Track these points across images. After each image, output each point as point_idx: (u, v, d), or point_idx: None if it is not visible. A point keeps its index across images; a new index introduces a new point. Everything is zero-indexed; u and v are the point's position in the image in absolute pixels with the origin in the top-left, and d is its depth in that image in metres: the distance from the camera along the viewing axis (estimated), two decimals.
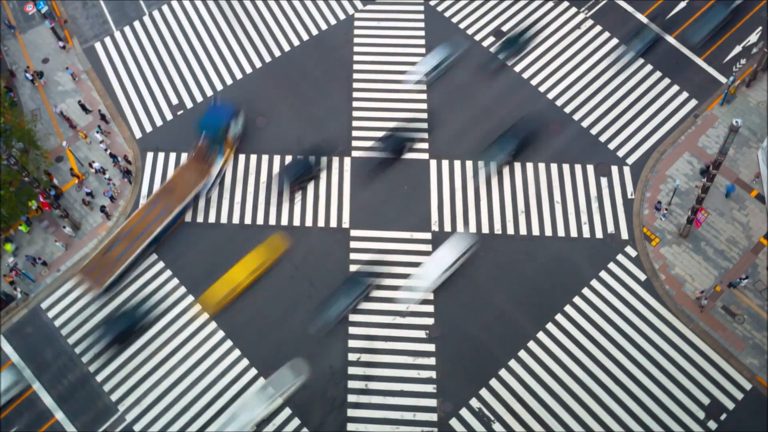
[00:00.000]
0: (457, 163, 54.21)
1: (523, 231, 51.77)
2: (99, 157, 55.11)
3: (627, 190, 52.90)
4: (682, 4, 59.56)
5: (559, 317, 48.99)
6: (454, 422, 46.40)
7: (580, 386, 47.01)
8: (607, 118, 55.50)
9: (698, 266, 50.14)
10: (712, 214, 51.35)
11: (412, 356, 48.21)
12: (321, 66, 58.55)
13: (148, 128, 56.65)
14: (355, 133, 55.66)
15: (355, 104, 56.84)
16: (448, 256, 49.67)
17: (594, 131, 55.01)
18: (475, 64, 57.76)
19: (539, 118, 55.03)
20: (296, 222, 52.68)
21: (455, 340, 48.51)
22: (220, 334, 49.25)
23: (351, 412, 46.89)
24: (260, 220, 52.78)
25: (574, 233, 51.56)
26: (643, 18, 59.21)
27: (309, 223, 52.61)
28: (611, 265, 50.46)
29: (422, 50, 58.42)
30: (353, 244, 51.77)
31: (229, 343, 48.96)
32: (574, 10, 59.93)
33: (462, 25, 59.57)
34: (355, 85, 57.64)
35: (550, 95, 56.46)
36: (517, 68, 57.65)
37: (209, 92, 57.62)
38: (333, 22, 60.39)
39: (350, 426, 46.49)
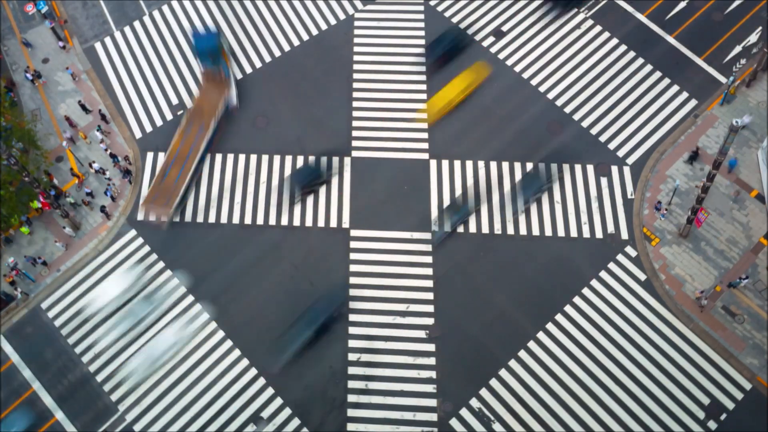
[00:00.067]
0: (457, 163, 54.22)
1: (523, 231, 51.78)
2: (99, 157, 55.12)
3: (627, 190, 52.91)
4: (682, 4, 59.59)
5: (559, 317, 49.00)
6: (454, 422, 46.41)
7: (580, 386, 47.02)
8: (607, 118, 55.52)
9: (698, 266, 50.14)
10: (712, 214, 51.35)
11: (412, 356, 48.21)
12: (321, 66, 58.57)
13: (148, 128, 56.67)
14: (355, 133, 55.68)
15: (355, 104, 56.85)
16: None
17: (594, 131, 55.03)
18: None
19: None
20: (296, 222, 52.69)
21: (455, 340, 48.52)
22: (220, 334, 49.26)
23: (351, 412, 46.90)
24: (260, 220, 52.79)
25: (574, 233, 51.57)
26: (643, 18, 59.24)
27: (309, 223, 52.62)
28: (611, 265, 50.47)
29: (422, 50, 58.46)
30: (353, 244, 51.78)
31: (229, 343, 48.96)
32: (574, 10, 59.97)
33: (462, 25, 59.59)
34: (355, 85, 57.65)
35: (550, 95, 56.47)
36: (517, 68, 57.68)
37: None
38: (333, 22, 60.40)
39: (350, 426, 46.50)
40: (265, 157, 55.12)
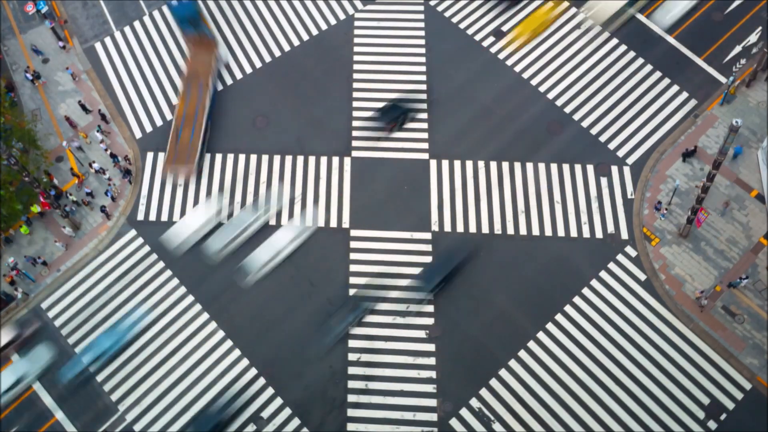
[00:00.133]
0: (457, 163, 54.22)
1: (523, 231, 51.78)
2: (99, 157, 55.12)
3: (627, 190, 52.91)
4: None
5: (559, 317, 49.00)
6: (454, 422, 46.42)
7: (580, 386, 47.02)
8: (607, 118, 55.52)
9: (698, 266, 50.15)
10: (712, 214, 51.35)
11: (412, 356, 48.22)
12: (321, 66, 58.57)
13: (148, 128, 56.66)
14: (355, 133, 55.67)
15: (355, 104, 56.85)
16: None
17: (594, 131, 55.03)
18: (479, 65, 57.82)
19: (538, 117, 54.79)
20: (296, 222, 52.68)
21: (455, 340, 48.52)
22: (220, 334, 49.26)
23: (351, 412, 46.90)
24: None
25: (574, 233, 51.57)
26: (643, 18, 59.25)
27: (309, 223, 52.62)
28: (611, 265, 50.47)
29: (422, 50, 58.47)
30: (353, 244, 51.78)
31: (229, 343, 48.96)
32: (574, 10, 60.00)
33: (462, 25, 59.59)
34: (355, 85, 57.65)
35: (550, 95, 56.48)
36: (517, 68, 57.68)
37: None
38: (333, 22, 60.40)
39: (350, 426, 46.50)
40: (265, 157, 55.12)
